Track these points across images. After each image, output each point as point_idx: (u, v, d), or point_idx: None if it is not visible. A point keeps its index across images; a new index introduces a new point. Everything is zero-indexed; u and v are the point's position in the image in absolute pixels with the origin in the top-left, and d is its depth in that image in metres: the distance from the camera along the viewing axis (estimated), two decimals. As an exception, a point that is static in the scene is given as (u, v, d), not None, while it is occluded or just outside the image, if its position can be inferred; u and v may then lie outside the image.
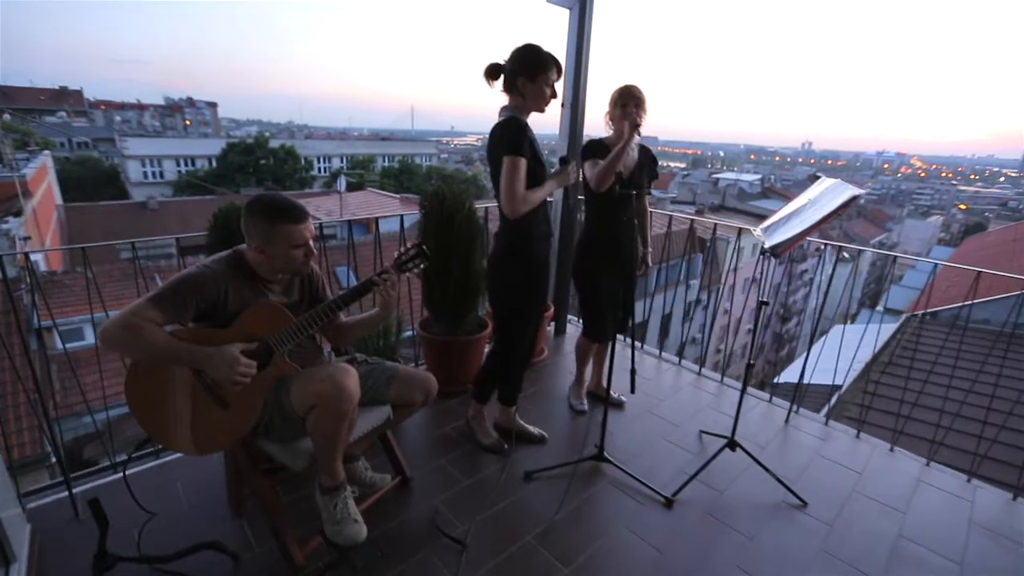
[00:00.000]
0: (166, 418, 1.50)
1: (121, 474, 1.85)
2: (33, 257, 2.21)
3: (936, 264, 2.61)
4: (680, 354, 3.44)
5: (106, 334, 1.34)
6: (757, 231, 1.93)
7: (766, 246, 1.78)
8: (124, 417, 1.53)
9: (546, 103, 1.93)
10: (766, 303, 1.89)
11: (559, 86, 2.03)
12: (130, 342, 1.36)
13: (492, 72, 1.94)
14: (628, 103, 2.23)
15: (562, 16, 3.05)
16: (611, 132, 2.34)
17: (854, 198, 1.67)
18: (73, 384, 7.62)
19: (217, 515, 1.90)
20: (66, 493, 1.90)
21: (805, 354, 3.03)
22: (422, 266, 1.68)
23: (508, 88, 1.92)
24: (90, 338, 8.97)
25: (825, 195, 1.81)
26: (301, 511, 1.88)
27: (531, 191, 1.90)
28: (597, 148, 2.28)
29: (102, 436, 2.33)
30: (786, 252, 1.71)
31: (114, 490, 1.88)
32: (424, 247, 1.67)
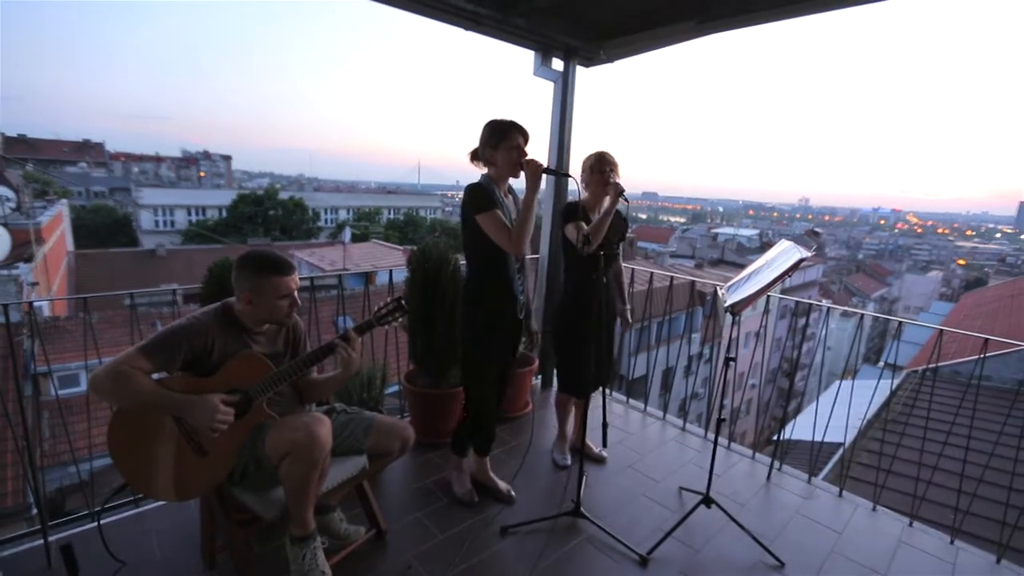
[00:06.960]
0: (147, 464, 1.55)
1: (97, 523, 1.87)
2: (37, 304, 2.32)
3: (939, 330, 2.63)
4: (685, 409, 3.46)
5: (96, 380, 1.43)
6: (722, 290, 2.04)
7: (726, 304, 1.87)
8: (110, 468, 1.59)
9: (516, 166, 2.03)
10: (733, 359, 1.96)
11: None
12: (118, 389, 1.44)
13: (474, 154, 2.12)
14: (605, 168, 2.36)
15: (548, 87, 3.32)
16: (587, 195, 2.47)
17: (801, 259, 1.79)
18: (63, 432, 7.55)
19: (189, 567, 1.90)
20: (41, 541, 1.91)
21: (793, 411, 3.04)
22: (400, 319, 1.79)
23: (483, 161, 2.09)
24: (84, 385, 8.96)
25: (779, 257, 1.93)
26: (276, 563, 1.87)
27: (519, 222, 1.97)
28: (576, 211, 2.34)
29: (85, 487, 2.35)
30: (743, 310, 1.81)
31: (89, 539, 1.89)
32: (402, 301, 1.78)
